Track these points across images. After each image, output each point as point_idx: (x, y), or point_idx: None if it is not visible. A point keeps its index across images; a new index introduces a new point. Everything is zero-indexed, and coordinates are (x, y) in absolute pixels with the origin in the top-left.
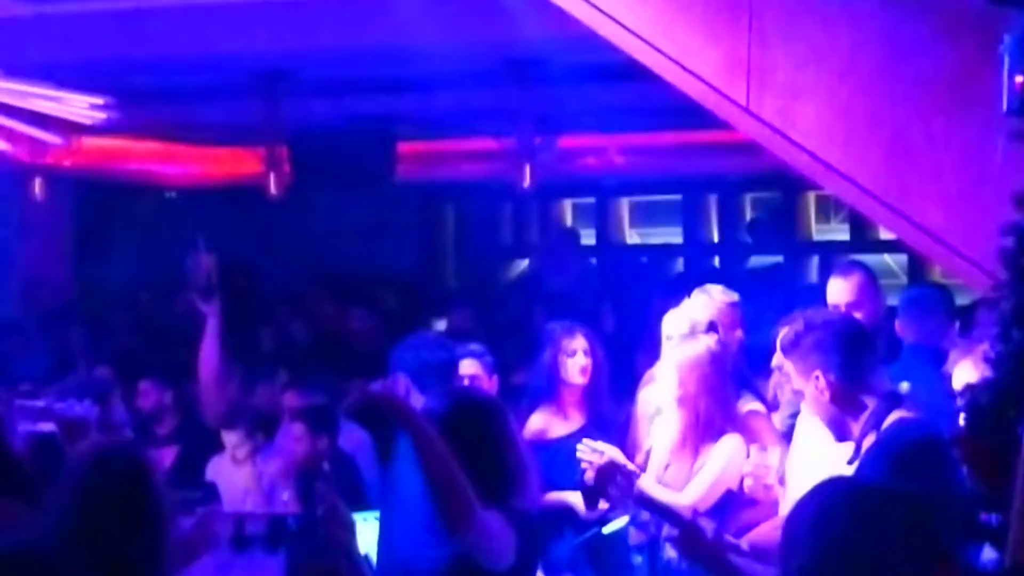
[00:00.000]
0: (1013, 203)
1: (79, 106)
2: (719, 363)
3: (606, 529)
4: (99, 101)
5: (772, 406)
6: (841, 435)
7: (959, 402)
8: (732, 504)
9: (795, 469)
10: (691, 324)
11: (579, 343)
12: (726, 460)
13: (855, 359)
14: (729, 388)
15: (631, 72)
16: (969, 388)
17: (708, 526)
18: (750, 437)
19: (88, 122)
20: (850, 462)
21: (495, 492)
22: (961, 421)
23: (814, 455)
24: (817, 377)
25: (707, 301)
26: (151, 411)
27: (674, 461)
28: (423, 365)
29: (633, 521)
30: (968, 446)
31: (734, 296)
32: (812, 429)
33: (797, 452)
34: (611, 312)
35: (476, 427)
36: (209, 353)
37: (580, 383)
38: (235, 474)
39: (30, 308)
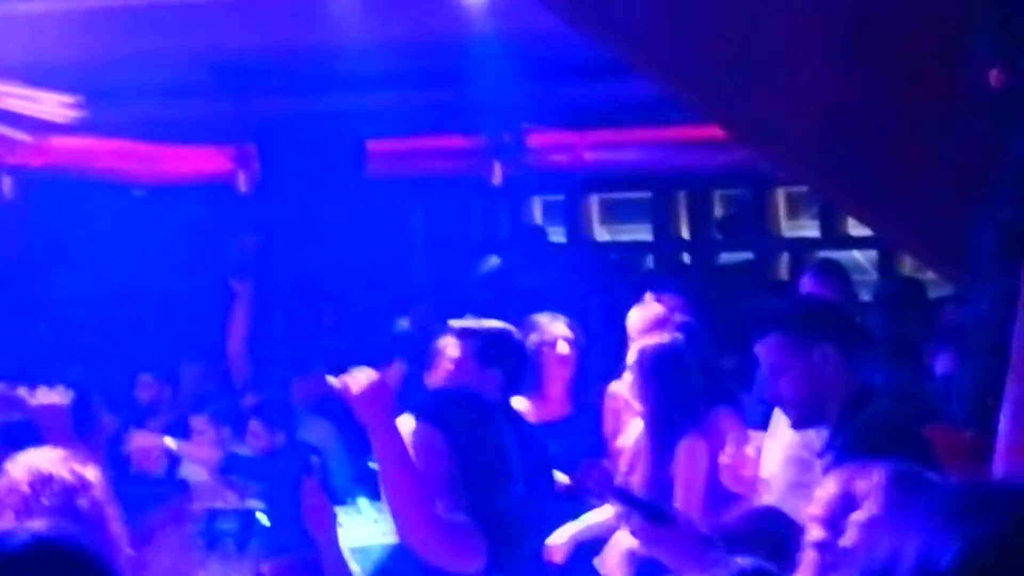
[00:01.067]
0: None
1: (51, 104)
2: (678, 360)
3: None
4: (71, 99)
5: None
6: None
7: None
8: (712, 500)
9: (771, 460)
10: (652, 320)
11: (561, 331)
12: (688, 467)
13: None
14: (690, 386)
15: (600, 67)
16: (945, 380)
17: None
18: (718, 436)
19: (61, 120)
20: (821, 454)
21: (473, 491)
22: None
23: (788, 445)
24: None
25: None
26: (149, 403)
27: (637, 462)
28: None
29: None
30: (947, 436)
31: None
32: (778, 423)
33: (772, 443)
34: (583, 309)
35: (457, 423)
36: (239, 328)
37: (563, 372)
38: (198, 461)
39: None
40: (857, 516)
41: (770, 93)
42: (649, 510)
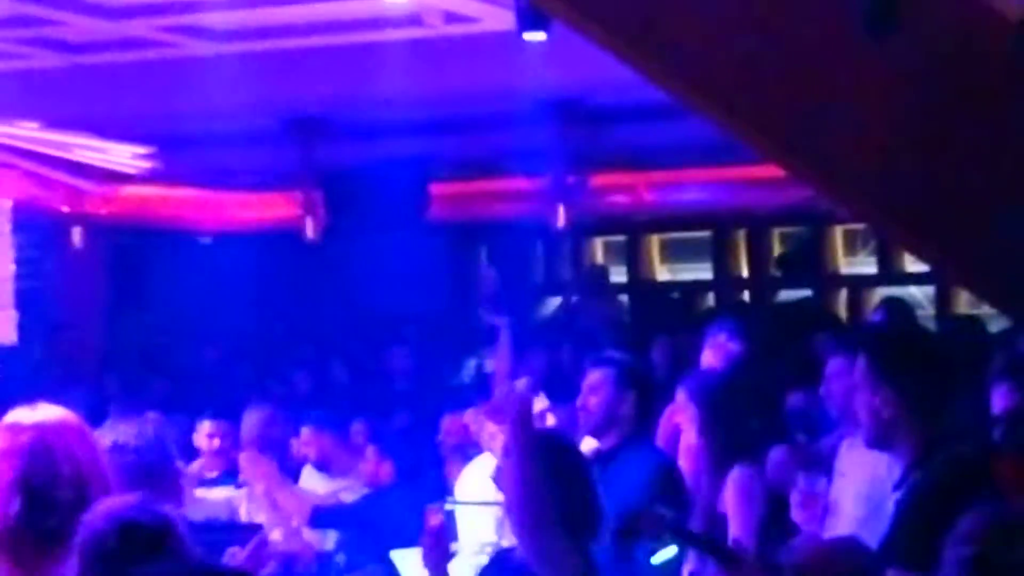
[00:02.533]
0: None
1: (122, 155)
2: (736, 392)
3: (655, 559)
4: (142, 150)
5: None
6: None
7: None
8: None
9: (841, 495)
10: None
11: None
12: (738, 498)
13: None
14: (747, 420)
15: (661, 109)
16: (1009, 412)
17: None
18: (775, 471)
19: (133, 171)
20: (895, 488)
21: (575, 526)
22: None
23: (859, 481)
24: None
25: None
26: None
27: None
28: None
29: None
30: (1015, 468)
31: None
32: (859, 456)
33: (843, 479)
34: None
35: (567, 462)
36: (503, 361)
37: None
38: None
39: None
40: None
41: (831, 131)
42: (714, 551)
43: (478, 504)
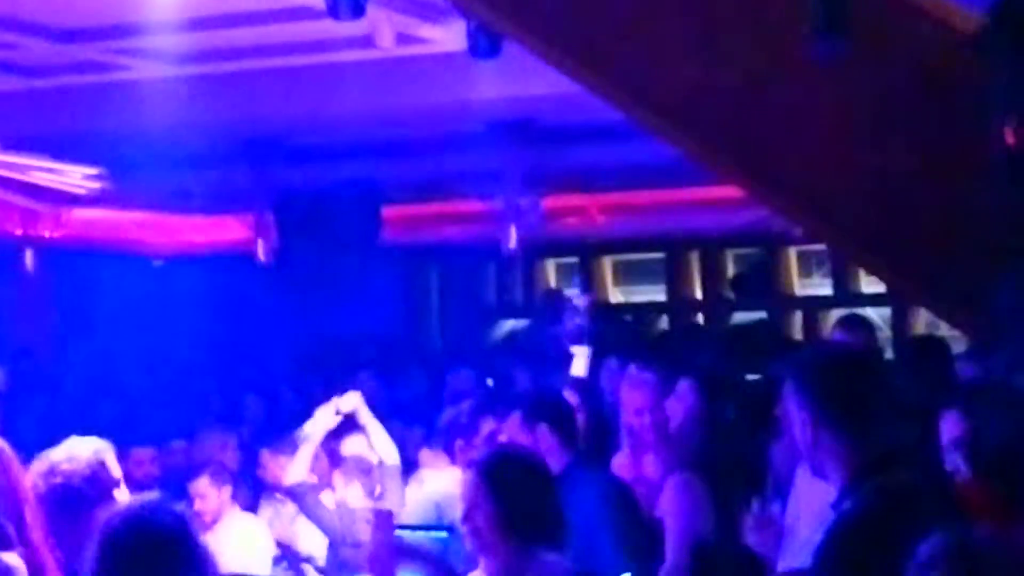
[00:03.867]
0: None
1: (75, 177)
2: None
3: None
4: (94, 171)
5: None
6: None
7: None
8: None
9: (798, 521)
10: None
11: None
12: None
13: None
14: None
15: (614, 131)
16: (970, 437)
17: None
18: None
19: (84, 192)
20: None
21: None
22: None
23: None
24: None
25: None
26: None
27: None
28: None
29: None
30: (979, 493)
31: None
32: (811, 481)
33: (798, 504)
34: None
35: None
36: (579, 385)
37: None
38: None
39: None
40: None
41: (786, 150)
42: None
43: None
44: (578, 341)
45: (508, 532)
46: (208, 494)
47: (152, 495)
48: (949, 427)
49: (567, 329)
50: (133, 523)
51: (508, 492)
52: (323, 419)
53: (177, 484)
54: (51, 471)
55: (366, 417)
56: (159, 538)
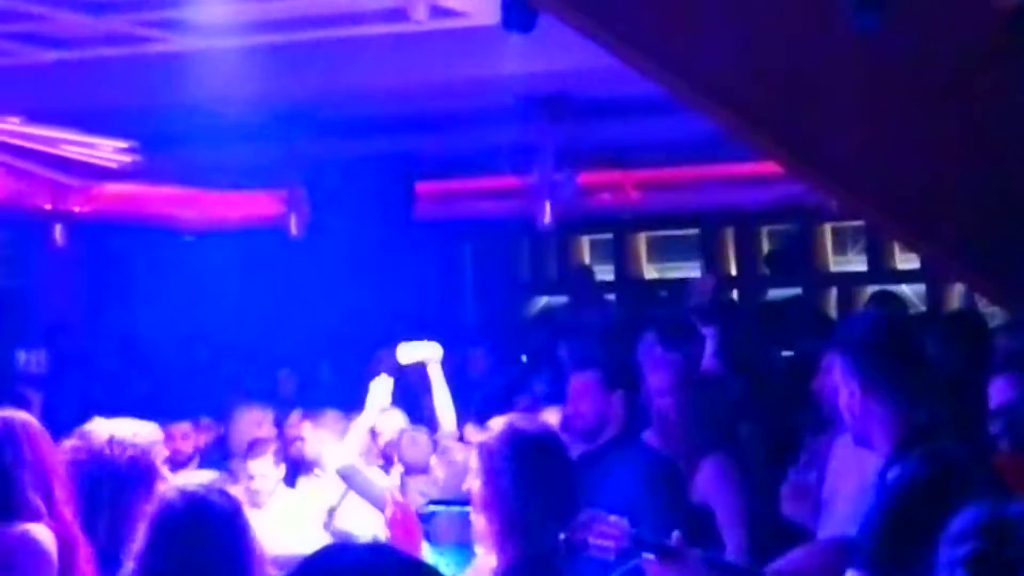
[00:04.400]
0: None
1: (106, 151)
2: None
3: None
4: (125, 145)
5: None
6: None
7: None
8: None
9: (836, 494)
10: None
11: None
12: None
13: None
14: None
15: (649, 106)
16: (1008, 410)
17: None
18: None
19: (115, 166)
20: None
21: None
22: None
23: (853, 480)
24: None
25: None
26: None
27: None
28: None
29: None
30: (1015, 464)
31: None
32: (850, 453)
33: (836, 477)
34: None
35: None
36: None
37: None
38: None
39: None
40: None
41: (827, 126)
42: (657, 548)
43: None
44: (706, 321)
45: (520, 516)
46: (269, 474)
47: (207, 476)
48: (997, 394)
49: (692, 309)
50: (191, 505)
51: (523, 473)
52: (377, 398)
53: (210, 460)
54: (90, 449)
55: (437, 377)
56: (215, 521)
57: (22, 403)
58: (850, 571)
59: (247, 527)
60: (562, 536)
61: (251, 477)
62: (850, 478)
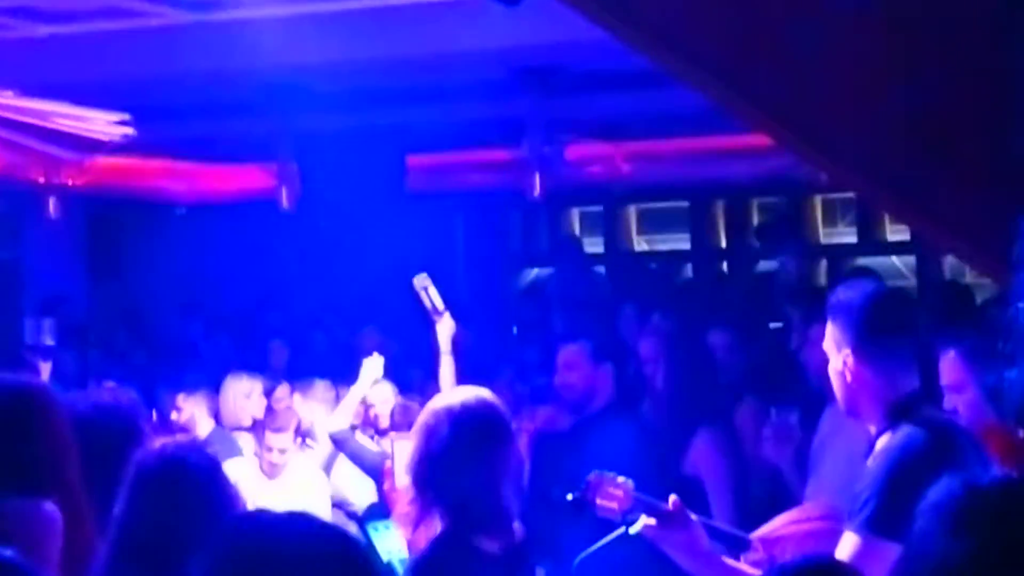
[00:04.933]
0: None
1: (100, 124)
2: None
3: (632, 529)
4: (118, 118)
5: None
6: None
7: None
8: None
9: (824, 464)
10: None
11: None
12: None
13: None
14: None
15: (637, 78)
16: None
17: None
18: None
19: (107, 139)
20: (866, 455)
21: None
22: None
23: (841, 450)
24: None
25: None
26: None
27: None
28: None
29: None
30: (1002, 436)
31: None
32: (840, 423)
33: (825, 447)
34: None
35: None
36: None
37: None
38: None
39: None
40: None
41: (815, 94)
42: (660, 511)
43: None
44: (792, 302)
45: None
46: (289, 447)
47: (185, 437)
48: (948, 370)
49: (781, 279)
50: (167, 463)
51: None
52: (369, 371)
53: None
54: (90, 418)
55: (445, 343)
56: (192, 479)
57: (32, 372)
58: (848, 532)
59: (226, 483)
60: (570, 496)
61: (269, 449)
62: (839, 446)
